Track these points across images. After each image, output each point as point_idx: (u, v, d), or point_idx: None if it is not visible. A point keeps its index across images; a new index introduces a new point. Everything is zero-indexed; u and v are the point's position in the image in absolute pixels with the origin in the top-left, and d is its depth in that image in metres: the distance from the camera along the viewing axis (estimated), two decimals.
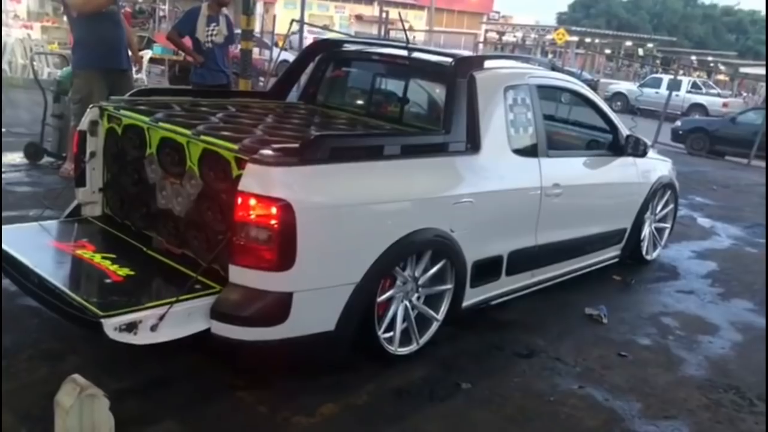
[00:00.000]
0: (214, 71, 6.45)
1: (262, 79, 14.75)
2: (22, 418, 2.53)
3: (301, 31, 14.09)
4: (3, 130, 7.66)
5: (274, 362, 3.01)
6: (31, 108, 7.99)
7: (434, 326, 3.43)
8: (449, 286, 3.42)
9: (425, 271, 3.30)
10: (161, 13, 28.29)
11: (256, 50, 13.42)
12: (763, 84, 26.34)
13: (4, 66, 12.11)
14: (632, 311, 4.47)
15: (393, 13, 20.96)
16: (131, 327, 2.53)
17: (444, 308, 3.45)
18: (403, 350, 3.27)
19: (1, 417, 2.52)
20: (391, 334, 3.22)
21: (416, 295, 3.32)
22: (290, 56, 14.64)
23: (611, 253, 5.01)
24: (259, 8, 26.52)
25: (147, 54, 13.47)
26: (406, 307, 3.27)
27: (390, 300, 3.20)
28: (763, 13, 50.13)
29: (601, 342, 3.90)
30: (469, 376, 3.26)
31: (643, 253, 5.36)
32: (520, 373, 3.39)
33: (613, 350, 3.80)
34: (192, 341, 2.71)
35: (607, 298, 4.53)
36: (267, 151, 2.75)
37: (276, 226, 2.65)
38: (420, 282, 3.30)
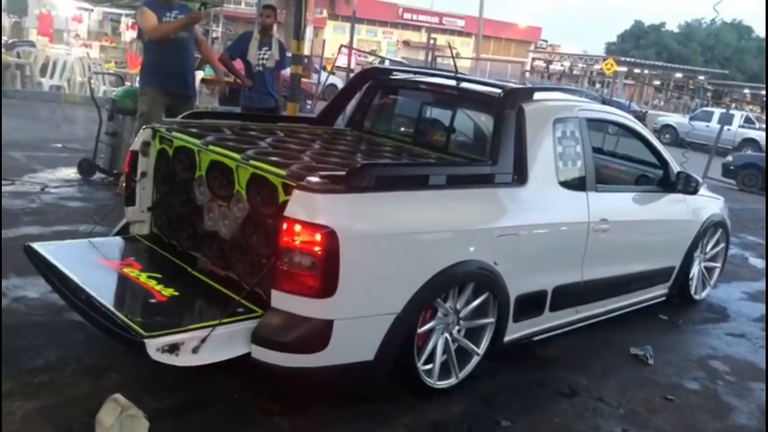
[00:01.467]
0: (263, 94, 6.57)
1: (309, 102, 14.96)
2: None
3: (349, 56, 14.27)
4: (59, 145, 7.94)
5: (312, 389, 3.00)
6: (87, 125, 8.25)
7: (474, 360, 3.37)
8: (491, 319, 3.37)
9: (467, 303, 3.26)
10: (214, 35, 29.02)
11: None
12: None
13: (63, 83, 12.56)
14: (679, 353, 4.33)
15: (440, 39, 21.10)
16: (173, 348, 2.55)
17: (485, 342, 3.39)
18: (442, 383, 3.22)
19: (1, 418, 2.56)
20: (431, 366, 3.17)
21: (457, 327, 3.28)
22: (338, 80, 14.84)
23: (658, 292, 4.88)
24: (309, 32, 27.00)
25: (199, 75, 13.80)
26: (446, 340, 3.22)
27: (430, 332, 3.16)
28: None
29: (647, 384, 3.78)
30: (508, 413, 3.19)
31: (692, 292, 5.20)
32: (561, 413, 3.30)
33: (658, 393, 3.68)
34: (230, 363, 2.71)
35: (653, 338, 4.40)
36: (314, 178, 2.77)
37: (320, 253, 2.65)
38: (461, 315, 3.26)
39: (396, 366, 3.02)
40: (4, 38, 13.30)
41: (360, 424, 2.92)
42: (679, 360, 4.20)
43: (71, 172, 6.58)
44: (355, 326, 2.83)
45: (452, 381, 3.27)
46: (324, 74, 16.30)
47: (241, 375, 3.10)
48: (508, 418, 3.14)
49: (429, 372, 3.16)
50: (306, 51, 15.59)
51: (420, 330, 3.06)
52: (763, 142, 22.03)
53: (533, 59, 50.69)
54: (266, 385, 3.06)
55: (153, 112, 5.62)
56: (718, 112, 22.50)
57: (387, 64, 18.36)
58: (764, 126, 24.57)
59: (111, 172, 6.46)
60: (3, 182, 5.78)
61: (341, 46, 14.39)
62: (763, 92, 45.92)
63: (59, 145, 7.96)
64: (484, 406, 3.23)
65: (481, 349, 3.38)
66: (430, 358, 3.18)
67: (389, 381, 3.09)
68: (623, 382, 3.75)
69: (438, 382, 3.20)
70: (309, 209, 2.68)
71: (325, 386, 2.99)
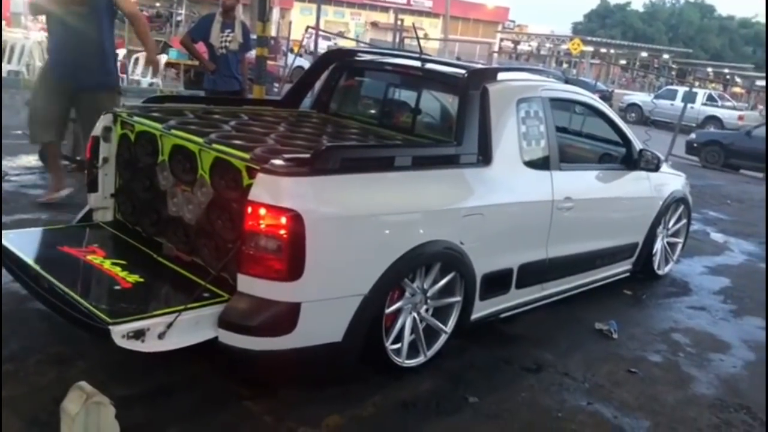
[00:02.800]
0: (227, 77, 6.46)
1: (276, 84, 14.82)
2: (30, 422, 2.53)
3: (316, 37, 14.13)
4: (19, 132, 7.75)
5: (281, 372, 3.01)
6: None
7: (442, 338, 3.41)
8: (458, 298, 3.41)
9: (434, 283, 3.29)
10: (178, 18, 28.49)
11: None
12: None
13: (22, 68, 12.25)
14: (643, 327, 4.43)
15: (408, 20, 21.02)
16: (139, 334, 2.54)
17: (452, 321, 3.43)
18: (411, 362, 3.26)
19: (1, 418, 2.54)
20: (399, 345, 3.20)
21: (425, 307, 3.31)
22: (305, 62, 14.72)
23: (622, 268, 4.98)
24: (276, 14, 26.68)
25: (163, 58, 13.57)
26: (414, 319, 3.25)
27: (398, 311, 3.19)
28: None
29: (611, 358, 3.87)
30: (476, 390, 3.24)
31: (655, 267, 5.32)
32: (527, 388, 3.37)
33: (622, 366, 3.77)
34: (198, 348, 2.71)
35: (617, 313, 4.50)
36: (278, 161, 2.76)
37: (285, 236, 2.65)
38: (429, 294, 3.29)
39: (365, 346, 3.04)
40: None
41: (330, 404, 2.94)
42: (642, 334, 4.30)
43: (32, 160, 6.44)
44: (323, 308, 2.84)
45: (421, 359, 3.31)
46: (291, 57, 16.13)
47: (210, 360, 3.10)
48: (475, 395, 3.19)
49: (397, 351, 3.19)
50: (272, 33, 15.42)
51: (388, 310, 3.08)
52: (725, 120, 22.52)
53: (501, 40, 50.84)
54: (235, 370, 3.07)
55: (41, 106, 4.96)
56: (681, 90, 22.86)
57: (362, 47, 18.23)
58: (726, 104, 25.04)
59: (74, 159, 6.34)
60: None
61: (307, 27, 14.24)
62: (726, 70, 46.74)
63: (19, 132, 7.76)
64: (452, 384, 3.28)
65: (449, 328, 3.42)
66: (399, 338, 3.20)
67: (359, 362, 3.11)
68: (588, 356, 3.83)
69: (406, 361, 3.23)
70: (273, 192, 2.67)
71: (294, 369, 3.00)
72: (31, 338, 3.16)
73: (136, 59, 13.40)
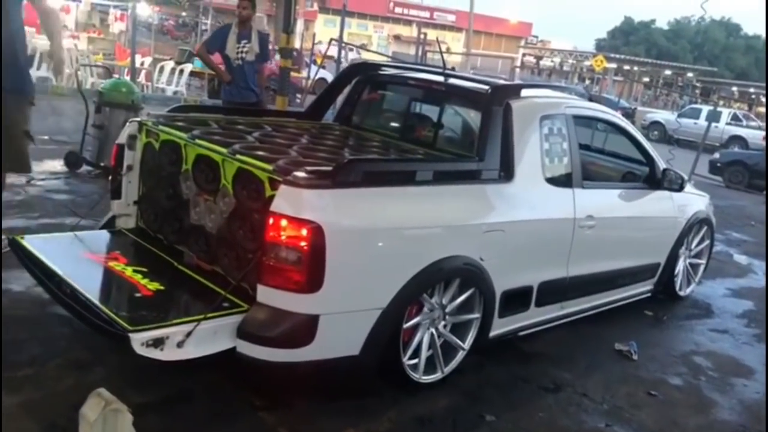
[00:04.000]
0: (243, 89, 6.39)
1: (299, 96, 14.91)
2: (48, 427, 2.55)
3: (339, 50, 14.23)
4: (46, 137, 7.88)
5: (298, 383, 3.01)
6: (75, 117, 8.16)
7: (460, 355, 3.39)
8: (477, 315, 3.39)
9: (453, 299, 3.27)
10: (203, 27, 28.83)
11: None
12: None
13: (50, 75, 12.44)
14: (663, 348, 4.37)
15: (431, 34, 21.07)
16: (158, 343, 2.55)
17: (471, 337, 3.41)
18: (428, 378, 3.24)
19: (1, 421, 2.55)
20: (416, 361, 3.19)
21: (443, 323, 3.29)
22: (328, 75, 14.81)
23: (643, 288, 4.92)
24: (300, 25, 26.89)
25: (188, 67, 13.74)
26: (432, 335, 3.24)
27: (416, 327, 3.17)
28: None
29: (630, 379, 3.81)
30: (493, 408, 3.21)
31: (677, 288, 5.25)
32: (545, 408, 3.33)
33: (642, 388, 3.71)
34: (215, 358, 2.71)
35: (637, 334, 4.44)
36: (300, 173, 2.77)
37: (306, 248, 2.65)
38: (447, 310, 3.27)
39: (381, 361, 3.03)
40: None
41: (345, 417, 2.92)
42: (662, 356, 4.23)
43: (58, 165, 6.54)
44: (341, 321, 2.83)
45: (438, 376, 3.28)
46: (314, 68, 16.24)
47: (226, 370, 3.10)
48: (492, 413, 3.16)
49: (414, 367, 3.17)
50: (296, 44, 15.54)
51: (406, 325, 3.07)
52: (749, 140, 22.21)
53: (524, 55, 50.77)
54: (251, 380, 3.07)
55: None
56: (706, 109, 22.68)
57: (386, 60, 18.28)
58: (751, 124, 24.72)
59: (97, 165, 6.42)
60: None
61: (331, 39, 14.33)
62: (751, 90, 46.21)
63: (46, 137, 7.89)
64: (469, 401, 3.25)
65: (467, 345, 3.40)
66: (416, 354, 3.19)
67: (375, 376, 3.09)
68: (607, 377, 3.78)
69: (423, 377, 3.21)
70: (295, 204, 2.68)
71: (311, 381, 3.00)
72: (52, 343, 3.18)
73: (161, 67, 13.59)
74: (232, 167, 3.10)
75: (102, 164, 6.32)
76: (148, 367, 2.98)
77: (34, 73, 12.35)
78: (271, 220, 2.70)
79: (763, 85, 46.53)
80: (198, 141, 3.29)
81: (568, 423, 3.22)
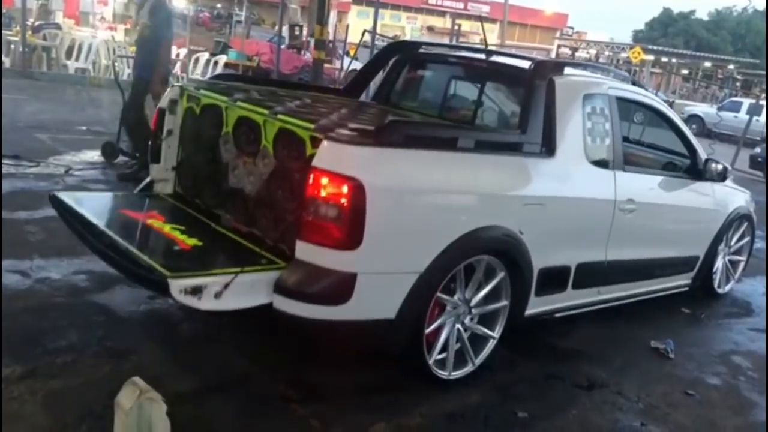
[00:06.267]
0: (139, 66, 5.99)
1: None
2: (84, 414, 2.59)
3: (373, 41, 14.19)
4: (83, 128, 8.01)
5: (331, 348, 2.99)
6: (111, 108, 8.31)
7: (491, 344, 3.34)
8: (505, 302, 3.33)
9: (478, 290, 3.22)
10: (237, 19, 29.00)
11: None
12: None
13: (89, 66, 12.66)
14: (701, 347, 4.27)
15: (465, 25, 20.90)
16: (196, 291, 2.55)
17: (500, 326, 3.36)
18: (458, 373, 3.21)
19: (1, 417, 2.60)
20: (444, 355, 3.16)
21: (469, 317, 3.24)
22: (360, 66, 14.78)
23: (681, 281, 4.82)
24: (333, 17, 26.91)
25: (222, 59, 13.84)
26: (459, 331, 3.19)
27: (441, 327, 3.13)
28: None
29: (667, 378, 3.74)
30: (526, 405, 3.17)
31: (715, 285, 5.13)
32: (579, 406, 3.28)
33: (678, 388, 3.64)
34: (249, 347, 2.72)
35: (674, 332, 4.35)
36: (343, 131, 2.77)
37: (346, 204, 2.63)
38: (472, 303, 3.22)
39: (408, 361, 3.03)
40: (30, 20, 13.38)
41: (377, 412, 2.92)
42: (700, 355, 4.14)
43: (95, 155, 6.64)
44: (379, 281, 2.81)
45: (469, 368, 3.25)
46: (347, 59, 16.23)
47: (260, 361, 3.12)
48: (525, 410, 3.12)
49: (442, 363, 3.14)
50: (329, 36, 15.56)
51: (428, 330, 3.02)
52: None
53: (559, 46, 50.06)
54: (285, 372, 3.08)
55: None
56: (747, 102, 22.08)
57: None
58: None
59: (133, 155, 6.50)
60: (28, 164, 5.85)
61: (365, 31, 14.30)
62: None
63: (84, 128, 8.04)
64: (501, 397, 3.22)
65: (497, 333, 3.35)
66: (444, 348, 3.16)
67: (406, 372, 3.07)
68: (643, 376, 3.71)
69: (454, 373, 3.18)
70: (337, 160, 2.67)
71: (346, 343, 2.98)
72: (89, 330, 3.23)
73: (196, 59, 13.71)
74: (273, 127, 3.09)
75: (138, 155, 6.40)
76: (183, 358, 3.04)
77: (72, 64, 12.59)
78: (312, 177, 2.68)
79: None
80: (240, 103, 3.30)
81: (602, 421, 3.18)
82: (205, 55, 13.92)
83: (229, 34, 24.28)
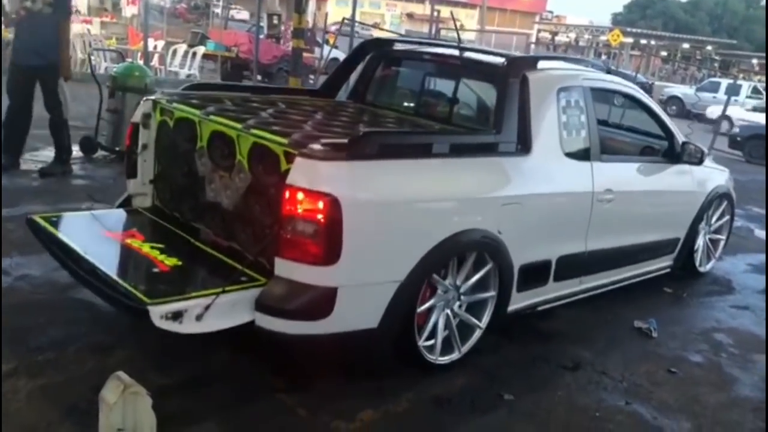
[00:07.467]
0: (29, 50, 5.43)
1: (312, 76, 14.85)
2: (68, 411, 2.57)
3: (352, 28, 14.11)
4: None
5: (318, 362, 3.01)
6: (88, 102, 8.18)
7: (477, 334, 3.36)
8: (492, 293, 3.36)
9: (467, 278, 3.24)
10: (215, 9, 28.73)
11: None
12: None
13: None
14: (683, 326, 4.33)
15: (444, 11, 20.86)
16: (177, 316, 2.55)
17: (487, 316, 3.38)
18: (444, 359, 3.22)
19: (1, 417, 2.58)
20: (433, 342, 3.17)
21: (458, 303, 3.26)
22: (340, 54, 14.72)
23: (663, 264, 4.86)
24: (312, 5, 26.70)
25: (200, 50, 13.71)
26: (447, 316, 3.21)
27: (431, 309, 3.15)
28: None
29: (650, 357, 3.78)
30: (512, 387, 3.20)
31: (697, 264, 5.19)
32: (564, 387, 3.31)
33: (662, 366, 3.68)
34: (234, 339, 2.72)
35: (657, 311, 4.40)
36: (316, 146, 2.76)
37: (322, 220, 2.64)
38: (462, 290, 3.24)
39: (397, 343, 3.03)
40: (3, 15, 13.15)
41: (364, 399, 2.92)
42: (683, 333, 4.19)
43: (73, 150, 6.55)
44: (359, 293, 2.82)
45: (455, 356, 3.27)
46: (327, 48, 16.16)
47: (245, 352, 3.12)
48: (511, 392, 3.15)
49: (431, 348, 3.16)
50: (308, 24, 15.45)
51: (420, 309, 3.04)
52: None
53: (539, 31, 50.21)
54: (270, 362, 3.08)
55: None
56: (725, 82, 22.28)
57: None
58: None
59: (112, 150, 6.44)
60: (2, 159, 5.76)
61: (343, 18, 14.24)
62: None
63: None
64: (488, 381, 3.24)
65: (483, 323, 3.37)
66: (432, 335, 3.17)
67: (391, 356, 3.09)
68: (627, 355, 3.75)
69: (440, 358, 3.20)
70: (311, 177, 2.67)
71: (331, 359, 3.00)
72: (72, 327, 3.21)
73: (174, 51, 13.58)
74: (247, 142, 3.08)
75: (117, 149, 6.34)
76: (168, 351, 3.02)
77: None
78: (287, 194, 2.68)
79: None
80: (212, 117, 3.28)
81: (587, 401, 3.21)
82: (182, 47, 13.78)
83: (207, 25, 24.04)
